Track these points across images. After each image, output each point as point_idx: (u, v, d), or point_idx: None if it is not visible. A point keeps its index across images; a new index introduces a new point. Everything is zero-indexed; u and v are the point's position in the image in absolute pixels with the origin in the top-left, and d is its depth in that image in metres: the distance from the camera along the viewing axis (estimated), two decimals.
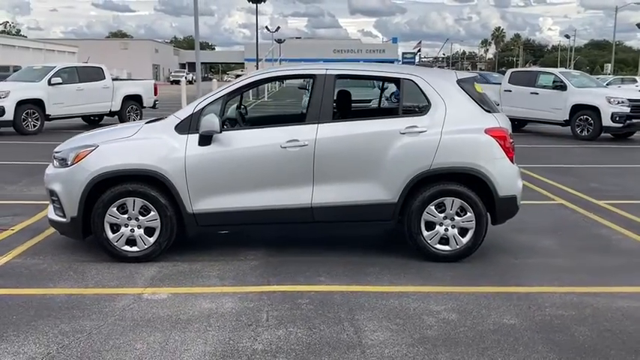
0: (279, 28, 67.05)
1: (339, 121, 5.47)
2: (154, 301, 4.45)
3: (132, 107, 18.68)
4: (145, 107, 19.10)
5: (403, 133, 5.25)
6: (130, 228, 5.26)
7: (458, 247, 5.36)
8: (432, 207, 5.30)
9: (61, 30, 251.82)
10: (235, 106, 6.69)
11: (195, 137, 5.20)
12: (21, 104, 15.49)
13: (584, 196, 8.37)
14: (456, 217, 5.32)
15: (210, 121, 5.07)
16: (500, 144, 5.31)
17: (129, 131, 5.42)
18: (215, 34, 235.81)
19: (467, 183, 5.33)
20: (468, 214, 5.30)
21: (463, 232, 5.36)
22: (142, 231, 5.27)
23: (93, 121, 18.80)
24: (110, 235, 5.26)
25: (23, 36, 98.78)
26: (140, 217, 5.24)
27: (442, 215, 5.32)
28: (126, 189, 5.19)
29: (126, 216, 5.24)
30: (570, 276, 5.09)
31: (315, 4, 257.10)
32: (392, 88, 18.64)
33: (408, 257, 5.45)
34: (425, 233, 5.34)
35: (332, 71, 5.44)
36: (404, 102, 5.50)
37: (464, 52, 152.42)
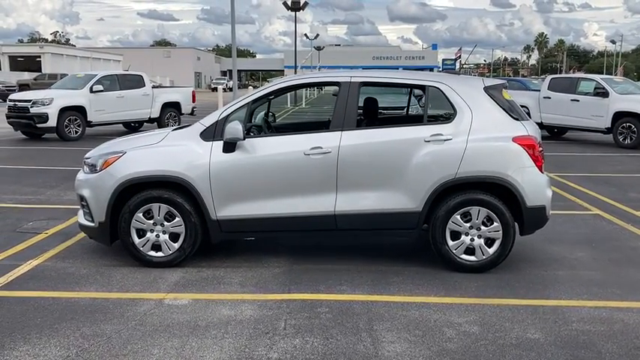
0: (317, 35, 67.43)
1: (364, 128, 5.43)
2: (175, 306, 4.49)
3: (170, 114, 19.01)
4: (183, 114, 19.43)
5: (428, 141, 5.18)
6: (155, 233, 5.34)
7: (484, 257, 5.24)
8: (457, 216, 5.20)
9: (108, 39, 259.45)
10: (263, 114, 6.74)
11: (219, 144, 5.24)
12: (64, 111, 15.96)
13: (622, 207, 8.09)
14: (483, 227, 5.21)
15: (234, 128, 5.10)
16: (528, 152, 5.18)
17: (155, 138, 5.51)
18: (256, 41, 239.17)
19: (494, 192, 5.22)
20: (495, 224, 5.18)
21: (490, 242, 5.24)
22: (167, 236, 5.34)
23: (133, 128, 19.14)
24: (136, 240, 5.34)
25: (72, 45, 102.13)
26: (165, 223, 5.31)
27: (468, 225, 5.21)
28: (152, 195, 5.27)
29: (151, 221, 5.31)
30: (601, 290, 4.91)
31: (355, 12, 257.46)
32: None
33: (432, 267, 5.36)
34: (450, 243, 5.24)
35: (356, 78, 5.42)
36: (429, 109, 5.43)
37: (506, 59, 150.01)
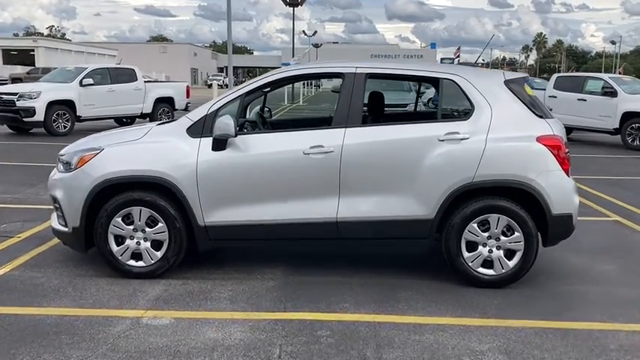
0: (316, 32, 66.77)
1: (370, 125, 4.85)
2: (154, 327, 3.91)
3: (163, 109, 18.41)
4: (177, 109, 18.83)
5: (442, 140, 4.61)
6: (135, 240, 4.76)
7: (503, 271, 4.68)
8: (474, 225, 4.64)
9: (105, 34, 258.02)
10: (259, 108, 6.17)
11: (208, 141, 4.67)
12: (52, 105, 15.33)
13: None
14: (502, 237, 4.65)
15: (225, 123, 4.53)
16: (554, 154, 4.63)
17: (137, 133, 4.92)
18: (253, 38, 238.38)
19: (515, 198, 4.66)
20: (516, 233, 4.62)
21: (510, 254, 4.68)
22: (148, 244, 4.76)
23: (125, 123, 18.58)
24: (114, 247, 4.76)
25: (67, 39, 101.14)
26: (147, 229, 4.74)
27: (486, 234, 4.65)
28: (132, 197, 4.69)
29: (131, 227, 4.74)
30: (637, 310, 4.36)
31: (353, 10, 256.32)
32: (429, 92, 18.00)
33: (445, 281, 4.81)
34: (465, 254, 4.69)
35: (362, 70, 4.85)
36: (443, 105, 4.86)
37: (504, 58, 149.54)
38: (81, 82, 16.01)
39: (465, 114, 4.79)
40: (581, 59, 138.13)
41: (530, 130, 4.67)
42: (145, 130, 4.93)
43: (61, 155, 5.06)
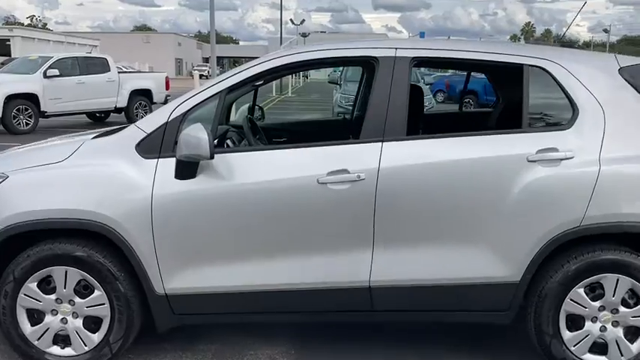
0: (303, 21, 64.76)
1: (418, 138, 3.18)
2: None
3: (140, 103, 16.62)
4: (155, 103, 17.03)
5: (533, 161, 2.98)
6: (60, 317, 3.10)
7: (623, 359, 3.08)
8: (579, 290, 3.03)
9: (88, 24, 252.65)
10: (246, 107, 4.51)
11: (170, 164, 3.00)
12: (11, 99, 13.48)
13: None
14: (622, 309, 3.04)
15: (195, 137, 2.86)
16: None
17: (61, 151, 3.21)
18: (239, 28, 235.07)
19: None
20: None
21: (633, 333, 3.08)
22: (79, 322, 3.10)
23: (99, 119, 16.85)
24: (27, 328, 3.10)
25: (48, 29, 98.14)
26: (77, 300, 3.08)
27: (596, 304, 3.04)
28: (52, 252, 3.02)
29: (53, 297, 3.08)
30: None
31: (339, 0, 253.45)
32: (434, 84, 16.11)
33: None
34: (566, 335, 3.07)
35: (406, 52, 3.19)
36: (530, 105, 3.20)
37: None
38: (45, 73, 14.17)
39: (565, 120, 3.14)
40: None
41: None
42: (72, 146, 3.22)
43: None
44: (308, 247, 3.02)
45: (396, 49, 3.19)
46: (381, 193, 2.97)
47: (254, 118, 4.45)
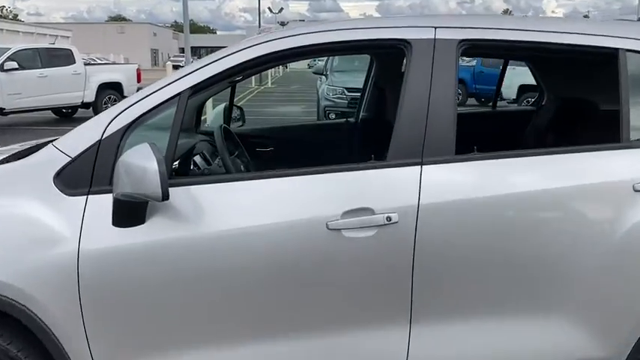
0: (282, 9, 63.48)
1: (474, 158, 2.17)
2: None
3: (109, 97, 15.44)
4: (126, 97, 15.81)
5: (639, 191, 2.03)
6: None
7: None
8: None
9: (61, 15, 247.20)
10: (222, 110, 3.49)
11: (105, 204, 1.98)
12: None
13: None
14: None
15: (139, 167, 1.85)
16: None
17: None
18: (216, 18, 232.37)
19: None
20: None
21: None
22: None
23: (65, 115, 15.66)
24: None
25: (20, 20, 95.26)
26: None
27: None
28: None
29: None
30: None
31: None
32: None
33: None
34: None
35: (450, 32, 2.20)
36: (631, 107, 2.22)
37: None
38: (2, 66, 12.95)
39: None
40: None
41: None
42: None
43: None
44: (314, 326, 2.04)
45: (436, 28, 2.20)
46: (422, 243, 2.00)
47: (232, 124, 3.44)
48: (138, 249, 1.98)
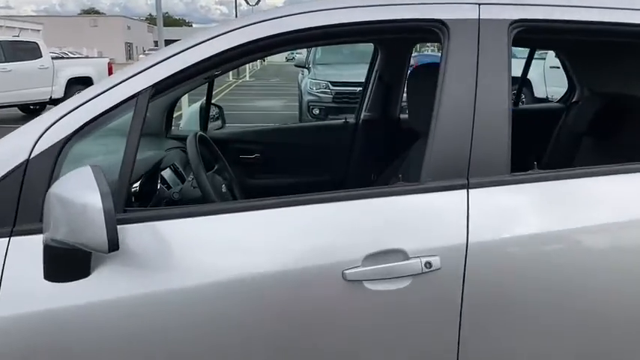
0: (258, 1, 62.46)
1: (536, 178, 1.62)
2: None
3: (79, 92, 14.65)
4: None
5: None
6: None
7: None
8: None
9: (33, 9, 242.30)
10: (197, 109, 2.93)
11: (34, 250, 1.41)
12: None
13: None
14: None
15: (77, 204, 1.29)
16: None
17: None
18: (192, 11, 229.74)
19: None
20: None
21: None
22: None
23: (32, 112, 14.86)
24: None
25: None
26: None
27: None
28: None
29: None
30: None
31: None
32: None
33: None
34: None
35: (498, 11, 1.65)
36: None
37: None
38: None
39: None
40: None
41: None
42: None
43: None
44: None
45: (479, 4, 1.66)
46: (472, 296, 1.46)
47: (210, 123, 2.88)
48: (80, 312, 1.41)
